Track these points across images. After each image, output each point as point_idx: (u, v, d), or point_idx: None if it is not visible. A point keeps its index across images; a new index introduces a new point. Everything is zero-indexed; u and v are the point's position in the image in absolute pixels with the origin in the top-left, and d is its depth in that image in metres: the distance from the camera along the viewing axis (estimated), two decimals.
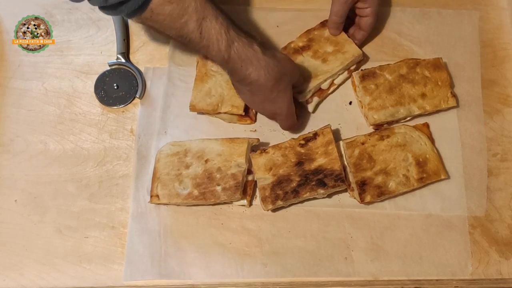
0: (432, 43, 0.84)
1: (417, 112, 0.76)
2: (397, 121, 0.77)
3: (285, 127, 0.76)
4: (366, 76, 0.77)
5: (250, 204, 0.74)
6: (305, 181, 0.70)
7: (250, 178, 0.74)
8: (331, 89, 0.80)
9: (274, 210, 0.74)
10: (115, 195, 0.76)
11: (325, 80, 0.78)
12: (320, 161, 0.71)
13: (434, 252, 0.72)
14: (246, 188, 0.73)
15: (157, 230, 0.74)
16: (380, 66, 0.78)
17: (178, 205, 0.74)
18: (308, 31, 0.81)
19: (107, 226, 0.75)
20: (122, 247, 0.73)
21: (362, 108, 0.78)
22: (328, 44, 0.80)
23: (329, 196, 0.74)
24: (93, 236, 0.74)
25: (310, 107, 0.79)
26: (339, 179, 0.69)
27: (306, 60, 0.79)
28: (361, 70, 0.78)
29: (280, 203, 0.70)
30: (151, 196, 0.72)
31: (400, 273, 0.71)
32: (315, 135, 0.72)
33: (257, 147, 0.75)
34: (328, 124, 0.73)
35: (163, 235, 0.73)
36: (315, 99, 0.79)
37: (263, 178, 0.71)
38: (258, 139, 0.75)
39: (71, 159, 0.79)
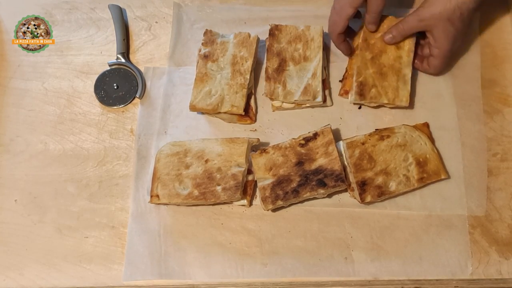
0: None
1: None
2: None
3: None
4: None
5: (250, 204, 0.74)
6: (305, 181, 0.70)
7: (250, 178, 0.74)
8: (325, 73, 0.81)
9: (274, 210, 0.74)
10: (115, 195, 0.76)
11: (322, 71, 0.78)
12: (320, 161, 0.71)
13: (434, 252, 0.72)
14: (246, 188, 0.73)
15: (157, 230, 0.74)
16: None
17: (178, 205, 0.74)
18: (270, 50, 0.80)
19: (107, 226, 0.75)
20: (122, 247, 0.73)
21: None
22: (295, 44, 0.80)
23: (329, 196, 0.74)
24: (93, 236, 0.74)
25: (328, 101, 0.80)
26: (339, 179, 0.70)
27: (292, 70, 0.79)
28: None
29: (280, 203, 0.70)
30: (151, 196, 0.72)
31: (400, 273, 0.71)
32: (315, 135, 0.72)
33: (257, 147, 0.75)
34: (328, 124, 0.73)
35: (163, 235, 0.73)
36: (326, 92, 0.80)
37: (263, 178, 0.71)
38: (258, 139, 0.75)
39: (71, 159, 0.79)
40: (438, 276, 0.71)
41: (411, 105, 0.79)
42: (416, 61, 0.80)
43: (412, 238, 0.72)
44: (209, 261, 0.72)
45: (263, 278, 0.71)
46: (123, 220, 0.75)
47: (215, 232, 0.73)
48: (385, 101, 0.76)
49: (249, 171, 0.74)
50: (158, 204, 0.73)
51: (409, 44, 0.78)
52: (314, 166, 0.71)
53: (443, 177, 0.73)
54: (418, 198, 0.74)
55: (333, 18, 0.77)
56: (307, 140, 0.72)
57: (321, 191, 0.70)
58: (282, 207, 0.74)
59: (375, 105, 0.78)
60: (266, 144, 0.78)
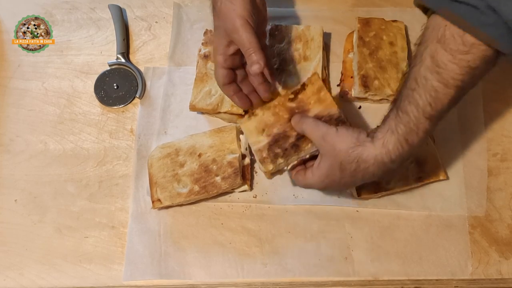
0: None
1: None
2: None
3: None
4: None
5: (251, 188, 0.75)
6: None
7: (245, 163, 0.74)
8: (325, 72, 0.81)
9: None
10: (115, 195, 0.76)
11: (322, 71, 0.78)
12: (315, 110, 0.66)
13: (434, 252, 0.72)
14: (244, 173, 0.74)
15: (157, 230, 0.74)
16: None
17: (181, 205, 0.74)
18: (270, 50, 0.79)
19: (107, 226, 0.75)
20: (122, 247, 0.73)
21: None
22: (294, 44, 0.80)
23: (329, 195, 0.74)
24: (93, 236, 0.74)
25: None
26: (340, 121, 0.65)
27: (292, 70, 0.78)
28: None
29: (281, 161, 0.66)
30: (152, 202, 0.72)
31: (400, 273, 0.71)
32: (303, 85, 0.68)
33: None
34: (315, 72, 0.70)
35: (163, 235, 0.73)
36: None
37: (257, 141, 0.67)
38: None
39: (71, 159, 0.79)
40: (438, 276, 0.71)
41: None
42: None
43: (412, 238, 0.72)
44: (209, 261, 0.72)
45: (263, 278, 0.71)
46: (123, 220, 0.75)
47: (215, 232, 0.73)
48: (390, 92, 0.76)
49: (243, 156, 0.74)
50: (162, 208, 0.73)
51: (401, 42, 0.80)
52: (310, 116, 0.66)
53: (441, 178, 0.73)
54: (418, 198, 0.74)
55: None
56: (296, 93, 0.68)
57: None
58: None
59: (379, 98, 0.78)
60: None
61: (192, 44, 0.85)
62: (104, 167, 0.78)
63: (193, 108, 0.77)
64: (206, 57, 0.80)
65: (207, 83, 0.78)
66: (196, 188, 0.71)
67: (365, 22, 0.81)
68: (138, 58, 0.86)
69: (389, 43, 0.79)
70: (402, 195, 0.74)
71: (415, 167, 0.72)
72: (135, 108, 0.82)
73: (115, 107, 0.82)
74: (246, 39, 0.61)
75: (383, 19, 0.81)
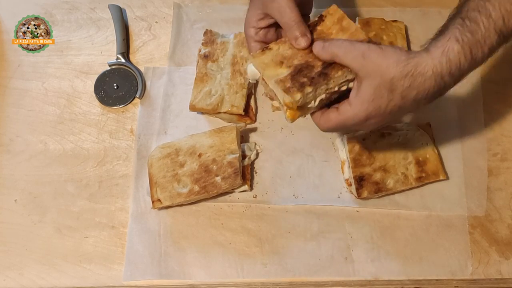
0: None
1: None
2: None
3: None
4: None
5: (251, 188, 0.75)
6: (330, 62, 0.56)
7: (245, 163, 0.75)
8: None
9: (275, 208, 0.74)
10: (115, 195, 0.76)
11: None
12: (340, 37, 0.58)
13: (434, 252, 0.72)
14: (244, 173, 0.74)
15: (157, 230, 0.74)
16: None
17: (181, 205, 0.74)
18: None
19: (107, 226, 0.75)
20: (122, 247, 0.73)
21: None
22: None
23: (329, 195, 0.74)
24: (93, 236, 0.74)
25: None
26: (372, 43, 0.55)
27: None
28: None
29: (309, 90, 0.55)
30: (152, 202, 0.72)
31: (400, 273, 0.71)
32: (321, 17, 0.60)
33: (245, 131, 0.77)
34: (333, 4, 0.62)
35: (163, 235, 0.73)
36: None
37: (276, 74, 0.56)
38: (245, 123, 0.75)
39: (71, 159, 0.79)
40: (438, 276, 0.71)
41: None
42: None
43: (412, 238, 0.72)
44: (209, 261, 0.72)
45: (263, 278, 0.71)
46: (123, 220, 0.75)
47: (215, 232, 0.73)
48: None
49: (243, 156, 0.74)
50: (162, 208, 0.73)
51: (402, 42, 0.80)
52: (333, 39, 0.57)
53: (441, 178, 0.73)
54: (418, 198, 0.74)
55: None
56: (314, 25, 0.59)
57: None
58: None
59: None
60: (260, 137, 0.78)
61: (192, 44, 0.85)
62: (104, 167, 0.78)
63: (193, 108, 0.77)
64: (206, 57, 0.80)
65: (207, 83, 0.78)
66: (196, 188, 0.71)
67: (365, 22, 0.81)
68: (138, 58, 0.86)
69: (389, 43, 0.79)
70: (402, 195, 0.74)
71: (415, 167, 0.72)
72: (135, 108, 0.82)
73: (115, 107, 0.82)
74: (287, 9, 0.56)
75: (383, 19, 0.81)
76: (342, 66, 0.55)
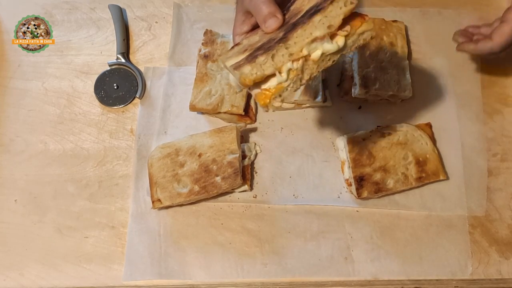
0: (432, 43, 0.84)
1: None
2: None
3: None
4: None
5: (251, 188, 0.75)
6: (294, 25, 0.49)
7: (245, 163, 0.75)
8: (325, 73, 0.80)
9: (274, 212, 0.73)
10: (115, 195, 0.76)
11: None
12: (309, 5, 0.52)
13: (434, 252, 0.72)
14: (244, 173, 0.74)
15: (157, 230, 0.74)
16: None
17: (181, 205, 0.74)
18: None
19: (107, 226, 0.75)
20: (122, 247, 0.73)
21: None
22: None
23: (329, 196, 0.74)
24: (93, 236, 0.74)
25: (328, 101, 0.80)
26: None
27: None
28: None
29: (261, 58, 0.48)
30: (152, 202, 0.72)
31: (400, 273, 0.71)
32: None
33: (245, 131, 0.77)
34: None
35: (163, 235, 0.73)
36: (326, 92, 0.80)
37: (235, 61, 0.51)
38: (245, 123, 0.75)
39: (71, 159, 0.79)
40: (438, 276, 0.71)
41: (411, 105, 0.79)
42: (465, 44, 0.72)
43: (412, 238, 0.72)
44: (209, 261, 0.72)
45: (263, 278, 0.71)
46: (123, 220, 0.75)
47: (215, 232, 0.73)
48: (390, 92, 0.76)
49: (243, 156, 0.74)
50: (162, 208, 0.73)
51: (402, 42, 0.80)
52: (303, 12, 0.51)
53: (441, 178, 0.73)
54: (418, 198, 0.74)
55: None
56: (288, 8, 0.55)
57: (318, 17, 0.48)
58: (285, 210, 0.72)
59: (378, 98, 0.78)
60: (260, 137, 0.78)
61: (192, 44, 0.85)
62: (104, 167, 0.78)
63: (193, 108, 0.77)
64: (206, 57, 0.80)
65: (207, 83, 0.78)
66: (196, 188, 0.71)
67: None
68: (138, 58, 0.86)
69: (389, 43, 0.79)
70: (402, 195, 0.74)
71: (415, 167, 0.72)
72: (135, 108, 0.82)
73: (115, 107, 0.82)
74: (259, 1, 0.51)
75: (383, 19, 0.81)
76: (308, 17, 0.48)
